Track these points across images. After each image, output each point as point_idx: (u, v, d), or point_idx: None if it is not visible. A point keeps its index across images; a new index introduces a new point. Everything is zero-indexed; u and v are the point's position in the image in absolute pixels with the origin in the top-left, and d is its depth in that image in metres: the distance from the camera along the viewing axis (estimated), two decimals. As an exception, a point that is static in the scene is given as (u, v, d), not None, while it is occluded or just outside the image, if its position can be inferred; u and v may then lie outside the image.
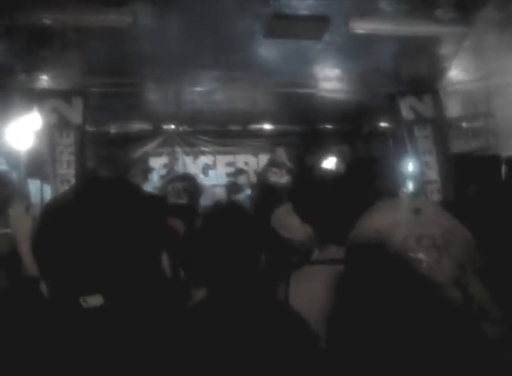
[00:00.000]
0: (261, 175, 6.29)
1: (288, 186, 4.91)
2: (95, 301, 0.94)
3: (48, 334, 0.97)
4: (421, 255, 0.93)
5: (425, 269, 0.92)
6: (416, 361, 0.89)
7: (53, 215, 0.99)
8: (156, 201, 1.14)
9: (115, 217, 0.98)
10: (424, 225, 0.97)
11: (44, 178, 5.06)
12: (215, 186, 7.36)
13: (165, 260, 1.12)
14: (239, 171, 7.19)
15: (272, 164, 6.27)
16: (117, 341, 0.94)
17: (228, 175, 7.50)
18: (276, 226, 2.02)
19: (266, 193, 5.77)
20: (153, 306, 1.03)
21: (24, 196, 4.10)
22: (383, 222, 1.00)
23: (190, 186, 4.54)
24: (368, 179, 1.96)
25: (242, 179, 6.84)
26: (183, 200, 5.17)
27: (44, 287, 1.01)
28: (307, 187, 1.95)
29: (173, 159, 7.00)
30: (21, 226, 2.37)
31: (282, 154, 6.89)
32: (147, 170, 7.00)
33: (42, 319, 1.02)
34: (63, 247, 0.94)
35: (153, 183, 6.56)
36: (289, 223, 1.91)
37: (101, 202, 0.99)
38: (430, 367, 0.88)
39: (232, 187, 6.73)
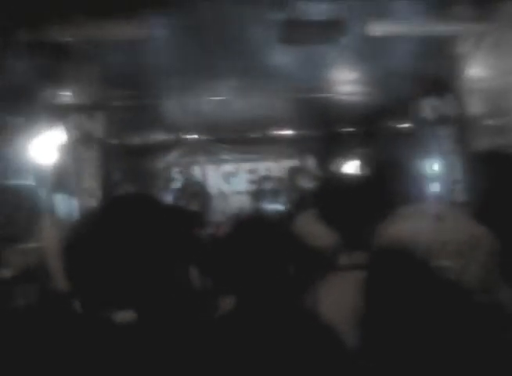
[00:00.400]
0: (287, 181, 6.27)
1: (313, 192, 4.89)
2: (127, 316, 0.96)
3: (78, 348, 0.98)
4: (446, 262, 0.92)
5: (451, 275, 0.91)
6: (445, 367, 0.88)
7: (85, 231, 1.02)
8: (180, 214, 1.17)
9: (143, 233, 1.01)
10: (449, 231, 0.96)
11: (70, 192, 5.13)
12: (238, 193, 7.38)
13: (192, 270, 1.13)
14: (264, 178, 7.17)
15: (297, 169, 6.25)
16: (148, 355, 0.95)
17: (251, 182, 7.51)
18: (301, 233, 2.01)
19: (292, 198, 5.76)
20: (182, 317, 1.04)
21: (52, 211, 4.17)
22: (407, 228, 1.00)
23: (201, 193, 4.60)
24: (392, 183, 1.94)
25: (266, 186, 6.81)
26: (195, 208, 5.24)
27: (76, 303, 1.03)
28: (332, 192, 1.94)
29: (195, 168, 7.03)
30: (50, 241, 2.42)
31: (305, 160, 6.86)
32: (169, 180, 7.06)
33: (73, 334, 1.04)
34: (95, 262, 0.98)
35: (175, 193, 6.60)
36: (314, 229, 1.90)
37: (129, 218, 1.03)
38: (459, 373, 0.87)
39: (258, 194, 6.72)
